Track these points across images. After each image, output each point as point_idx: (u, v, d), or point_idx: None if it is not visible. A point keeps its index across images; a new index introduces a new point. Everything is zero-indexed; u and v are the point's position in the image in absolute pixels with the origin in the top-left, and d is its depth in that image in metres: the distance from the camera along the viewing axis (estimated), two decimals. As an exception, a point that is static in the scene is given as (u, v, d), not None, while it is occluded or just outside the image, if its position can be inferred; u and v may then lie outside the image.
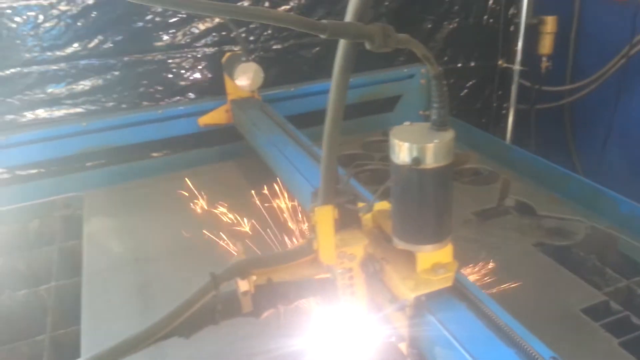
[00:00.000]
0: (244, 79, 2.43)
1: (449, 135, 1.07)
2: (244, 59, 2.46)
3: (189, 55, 3.09)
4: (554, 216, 2.06)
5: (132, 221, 2.32)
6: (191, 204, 2.25)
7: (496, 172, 2.47)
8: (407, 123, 1.15)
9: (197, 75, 3.14)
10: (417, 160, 1.05)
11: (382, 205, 1.32)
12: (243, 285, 1.17)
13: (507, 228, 2.04)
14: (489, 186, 2.36)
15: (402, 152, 1.07)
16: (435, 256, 1.16)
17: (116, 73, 3.03)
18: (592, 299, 1.58)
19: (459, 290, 1.17)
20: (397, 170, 1.09)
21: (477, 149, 2.70)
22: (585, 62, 3.80)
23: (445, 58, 3.54)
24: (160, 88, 3.12)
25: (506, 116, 3.62)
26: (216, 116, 2.69)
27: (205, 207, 2.19)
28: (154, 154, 3.06)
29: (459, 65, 3.59)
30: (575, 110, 3.97)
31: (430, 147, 1.05)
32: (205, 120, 2.69)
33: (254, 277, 1.20)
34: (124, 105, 3.08)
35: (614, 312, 1.53)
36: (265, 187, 2.06)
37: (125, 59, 3.01)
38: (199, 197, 2.24)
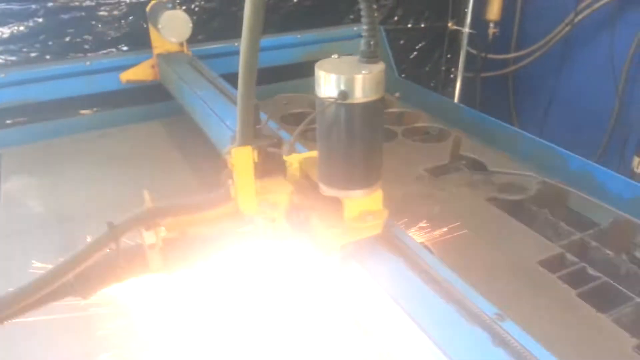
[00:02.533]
0: (169, 29, 2.22)
1: (378, 67, 0.96)
2: (170, 6, 2.25)
3: (122, 2, 2.82)
4: (506, 172, 2.04)
5: (54, 180, 2.12)
6: (116, 163, 2.06)
7: (447, 130, 2.41)
8: (334, 56, 1.03)
9: (131, 25, 2.87)
10: (344, 94, 0.94)
11: (311, 154, 1.21)
12: (148, 238, 1.04)
13: (460, 184, 1.99)
14: (440, 144, 2.31)
15: (328, 84, 0.95)
16: (363, 203, 1.06)
17: (39, 20, 2.73)
18: (548, 252, 1.57)
19: (389, 240, 1.08)
20: (323, 106, 0.98)
21: (427, 109, 2.63)
22: (530, 29, 3.80)
23: (396, 18, 3.44)
24: (88, 38, 2.84)
25: (454, 81, 3.59)
26: (140, 72, 2.45)
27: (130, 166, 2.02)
28: (81, 112, 2.81)
29: (409, 25, 3.50)
30: (519, 78, 4.00)
31: (359, 79, 0.93)
32: (128, 75, 2.45)
33: (162, 229, 1.06)
34: (47, 57, 2.78)
35: (570, 264, 1.52)
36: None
37: (49, 4, 2.70)
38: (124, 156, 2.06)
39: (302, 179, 1.19)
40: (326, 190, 1.07)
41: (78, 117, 2.72)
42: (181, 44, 2.39)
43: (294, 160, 1.19)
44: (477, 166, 2.15)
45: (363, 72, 0.93)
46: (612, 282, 1.43)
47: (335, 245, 1.03)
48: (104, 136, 2.42)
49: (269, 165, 1.11)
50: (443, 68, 3.69)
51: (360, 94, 0.94)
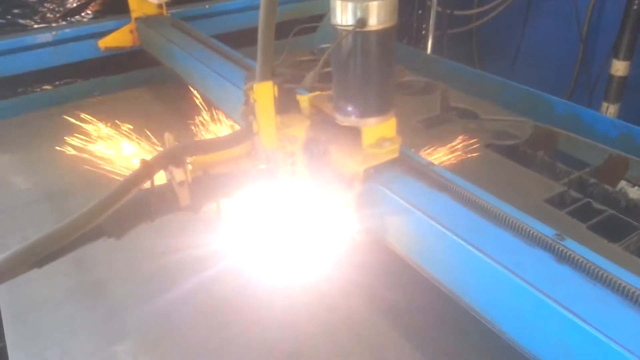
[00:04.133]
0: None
1: (392, -6, 1.01)
2: (150, -35, 2.22)
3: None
4: (498, 118, 2.08)
5: (36, 156, 2.06)
6: (96, 133, 2.01)
7: (432, 83, 2.46)
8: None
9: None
10: (362, 21, 0.99)
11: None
12: (179, 175, 1.07)
13: (455, 132, 2.04)
14: (428, 96, 2.33)
15: (345, 13, 1.00)
16: (379, 130, 1.12)
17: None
18: (552, 190, 1.60)
19: (408, 164, 1.14)
20: (340, 36, 1.02)
21: (407, 64, 2.67)
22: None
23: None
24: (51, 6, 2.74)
25: (425, 37, 3.65)
26: (120, 37, 2.39)
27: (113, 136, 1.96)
28: (49, 85, 2.71)
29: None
30: (484, 34, 4.09)
31: (376, 5, 0.98)
32: (107, 42, 2.38)
33: (190, 167, 1.10)
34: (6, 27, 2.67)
35: (575, 200, 1.55)
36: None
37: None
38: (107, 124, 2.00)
39: (314, 113, 1.23)
40: (343, 121, 1.13)
41: (49, 91, 2.65)
42: (160, 7, 2.36)
43: (304, 98, 1.24)
44: (468, 115, 2.20)
45: (379, -1, 0.98)
46: (617, 214, 1.48)
47: (357, 171, 1.09)
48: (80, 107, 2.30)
49: (285, 103, 1.16)
50: (415, 24, 3.74)
51: (377, 21, 0.99)
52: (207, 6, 2.66)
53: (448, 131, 2.07)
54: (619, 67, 3.00)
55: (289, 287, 1.26)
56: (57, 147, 1.94)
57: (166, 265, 1.35)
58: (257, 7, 2.69)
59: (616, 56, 2.95)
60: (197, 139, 1.11)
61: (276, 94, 1.09)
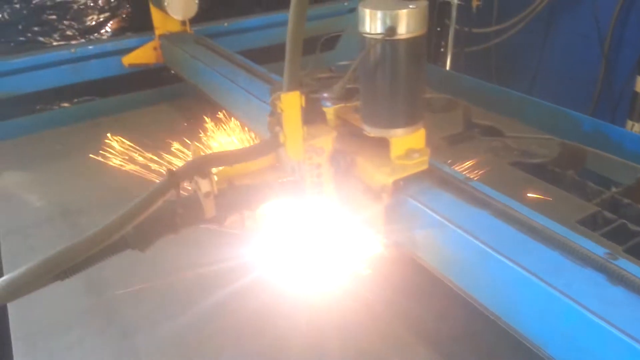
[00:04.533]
0: (175, 6, 2.22)
1: (422, 2, 0.99)
2: (174, -16, 2.24)
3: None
4: (524, 136, 2.01)
5: (51, 173, 2.02)
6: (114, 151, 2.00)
7: (453, 99, 2.43)
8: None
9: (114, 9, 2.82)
10: (391, 30, 0.97)
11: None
12: (205, 186, 1.05)
13: (480, 151, 2.00)
14: (450, 113, 2.30)
15: (373, 21, 0.98)
16: (408, 141, 1.10)
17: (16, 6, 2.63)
18: (585, 211, 1.52)
19: (438, 175, 1.11)
20: (368, 44, 1.01)
21: (427, 81, 2.64)
22: (511, 1, 3.87)
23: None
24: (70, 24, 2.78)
25: (444, 55, 3.64)
26: (143, 55, 2.43)
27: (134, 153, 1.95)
28: (67, 103, 2.73)
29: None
30: (502, 51, 4.07)
31: (405, 14, 0.97)
32: (130, 59, 2.41)
33: (216, 178, 1.08)
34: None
35: (609, 221, 1.48)
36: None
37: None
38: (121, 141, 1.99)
39: (341, 126, 1.22)
40: (371, 131, 1.10)
41: (66, 108, 2.67)
42: (184, 24, 2.38)
43: (330, 109, 1.22)
44: (492, 132, 2.15)
45: (410, 6, 0.97)
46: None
47: (385, 182, 1.07)
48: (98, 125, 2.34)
49: (311, 114, 1.14)
50: (433, 41, 3.74)
51: (406, 29, 0.98)
52: (225, 24, 2.69)
53: (472, 149, 2.02)
54: (645, 84, 2.95)
55: (313, 305, 1.23)
56: (73, 164, 1.95)
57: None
58: (275, 25, 2.72)
59: (640, 73, 2.91)
60: (223, 150, 1.09)
61: (303, 104, 1.07)
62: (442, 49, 3.71)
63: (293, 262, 1.26)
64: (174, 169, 1.00)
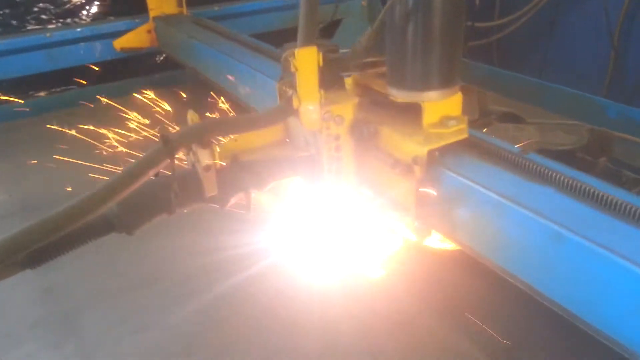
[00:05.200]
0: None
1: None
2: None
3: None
4: (548, 122, 1.90)
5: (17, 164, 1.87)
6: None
7: (466, 86, 2.28)
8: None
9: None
10: (426, -31, 0.82)
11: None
12: (205, 157, 0.89)
13: (500, 138, 1.87)
14: (464, 99, 2.17)
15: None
16: (443, 106, 0.94)
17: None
18: None
19: (481, 146, 0.93)
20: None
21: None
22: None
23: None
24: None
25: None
26: (136, 38, 2.26)
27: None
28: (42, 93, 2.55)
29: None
30: (506, 45, 3.95)
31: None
32: (122, 43, 2.25)
33: (218, 150, 0.92)
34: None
35: None
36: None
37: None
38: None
39: (362, 94, 1.06)
40: (399, 96, 0.95)
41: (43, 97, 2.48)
42: (180, 4, 2.23)
43: (347, 78, 1.07)
44: (511, 119, 2.02)
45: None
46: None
47: (419, 153, 0.91)
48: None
49: (329, 75, 0.98)
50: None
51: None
52: (216, 8, 2.53)
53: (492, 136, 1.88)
54: (659, 76, 2.81)
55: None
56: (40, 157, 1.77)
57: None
58: (272, 10, 2.54)
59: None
60: (226, 117, 0.92)
61: (320, 62, 0.91)
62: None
63: (307, 250, 1.10)
64: (168, 134, 0.83)
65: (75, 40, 2.23)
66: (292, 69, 0.90)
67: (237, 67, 1.67)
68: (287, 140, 1.09)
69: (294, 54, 0.89)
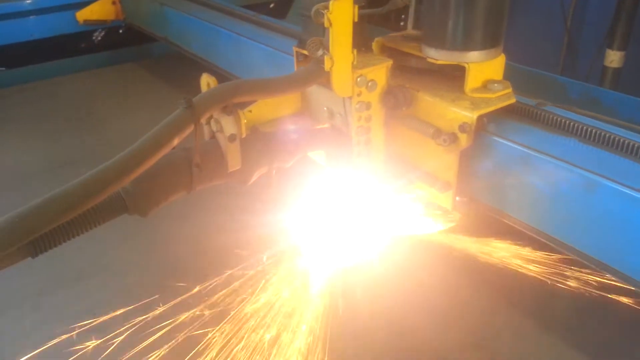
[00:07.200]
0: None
1: None
2: None
3: None
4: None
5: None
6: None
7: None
8: None
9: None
10: None
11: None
12: (229, 125, 0.77)
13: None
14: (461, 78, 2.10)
15: None
16: (487, 69, 0.87)
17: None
18: None
19: (528, 112, 0.86)
20: None
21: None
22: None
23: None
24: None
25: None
26: (99, 10, 2.06)
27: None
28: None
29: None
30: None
31: None
32: (85, 15, 2.05)
33: (244, 120, 0.80)
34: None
35: None
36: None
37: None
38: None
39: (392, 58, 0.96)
40: (439, 56, 0.86)
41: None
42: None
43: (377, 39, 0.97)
44: None
45: None
46: None
47: (466, 120, 0.82)
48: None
49: (358, 35, 0.88)
50: (392, 16, 3.56)
51: None
52: None
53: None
54: (614, 58, 2.85)
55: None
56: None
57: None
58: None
59: (610, 46, 2.82)
60: (251, 79, 0.80)
61: (356, 17, 0.81)
62: (402, 23, 3.54)
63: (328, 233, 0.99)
64: (190, 98, 0.70)
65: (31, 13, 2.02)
66: (326, 24, 0.79)
67: (219, 33, 1.54)
68: (305, 112, 0.98)
69: (327, 6, 0.78)
